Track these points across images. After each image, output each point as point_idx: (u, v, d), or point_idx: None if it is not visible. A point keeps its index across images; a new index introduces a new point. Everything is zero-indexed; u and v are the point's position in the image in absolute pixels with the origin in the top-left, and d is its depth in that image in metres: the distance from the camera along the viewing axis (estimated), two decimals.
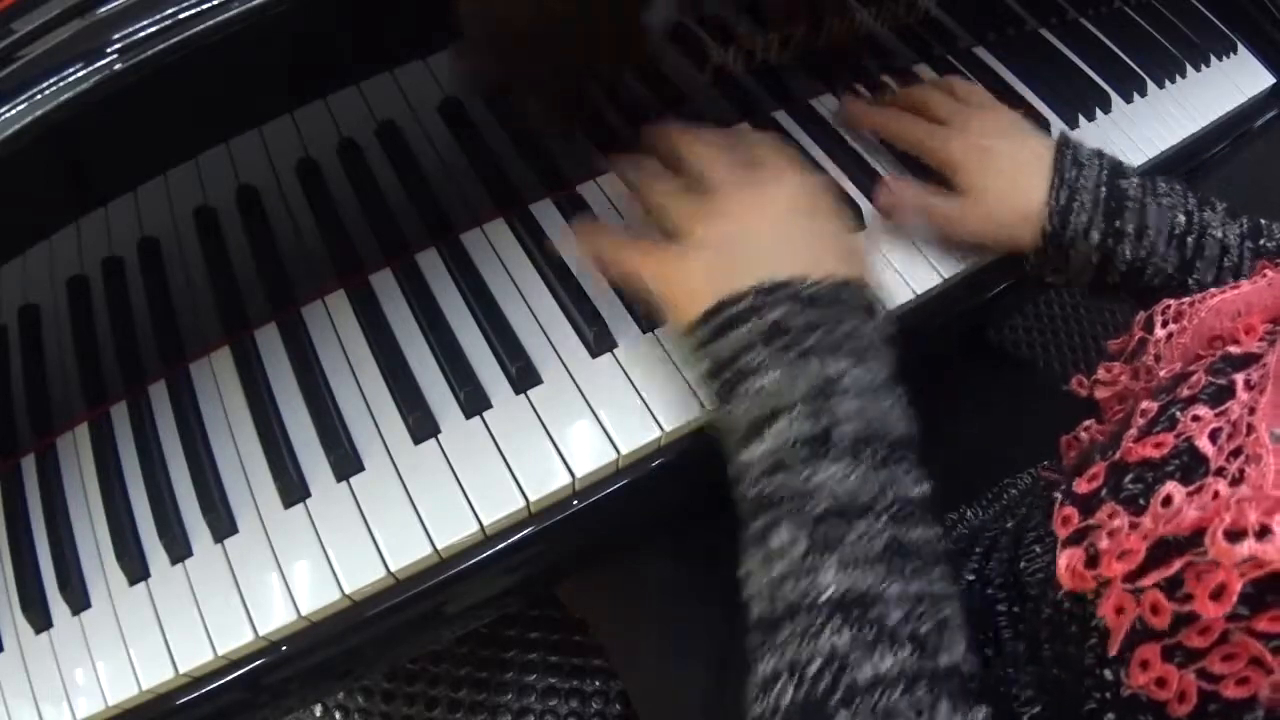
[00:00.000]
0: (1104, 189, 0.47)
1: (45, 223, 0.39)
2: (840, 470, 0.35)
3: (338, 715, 0.85)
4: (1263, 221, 0.48)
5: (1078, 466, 0.33)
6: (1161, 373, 0.36)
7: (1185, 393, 0.30)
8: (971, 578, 0.44)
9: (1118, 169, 0.48)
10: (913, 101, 0.56)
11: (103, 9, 0.32)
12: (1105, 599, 0.27)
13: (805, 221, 0.42)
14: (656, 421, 0.44)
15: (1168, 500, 0.27)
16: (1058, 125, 0.62)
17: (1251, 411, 0.27)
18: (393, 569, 0.41)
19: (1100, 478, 0.30)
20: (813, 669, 0.31)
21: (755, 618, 0.34)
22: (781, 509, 0.35)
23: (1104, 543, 0.28)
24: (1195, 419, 0.28)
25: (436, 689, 0.85)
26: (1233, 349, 0.32)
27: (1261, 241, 0.47)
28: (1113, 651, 0.27)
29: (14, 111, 0.31)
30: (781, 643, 0.33)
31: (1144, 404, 0.31)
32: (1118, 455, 0.30)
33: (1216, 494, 0.25)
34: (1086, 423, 0.44)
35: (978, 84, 0.56)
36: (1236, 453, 0.26)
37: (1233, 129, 0.69)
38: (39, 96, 0.31)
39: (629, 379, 0.45)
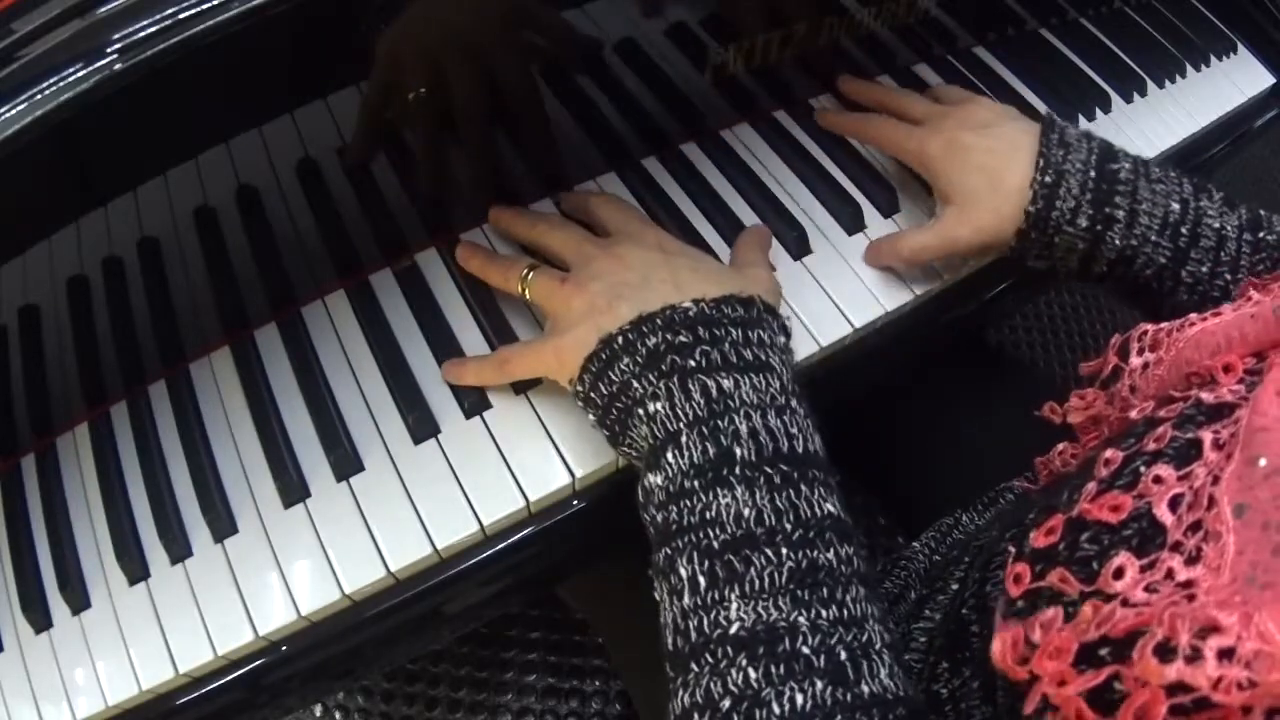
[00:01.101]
0: (1093, 172, 0.45)
1: (45, 223, 0.39)
2: (737, 498, 0.33)
3: (338, 715, 0.85)
4: (1263, 213, 0.47)
5: (1040, 512, 0.31)
6: (1133, 413, 0.34)
7: (1151, 446, 0.29)
8: (956, 587, 0.43)
9: (1108, 152, 0.46)
10: (889, 105, 0.55)
11: (103, 9, 0.32)
12: (1037, 688, 0.26)
13: (666, 258, 0.42)
14: None
15: (1119, 572, 0.25)
16: None
17: (1215, 481, 0.25)
18: (393, 569, 0.41)
19: (1058, 533, 0.29)
20: (725, 705, 0.30)
21: (668, 650, 0.33)
22: (682, 540, 0.34)
23: (1036, 634, 0.26)
24: (1157, 480, 0.27)
25: (436, 689, 0.85)
26: (1205, 395, 0.30)
27: (1261, 234, 0.46)
28: None
29: (14, 111, 0.31)
30: (694, 678, 0.31)
31: (1108, 452, 0.30)
32: (1076, 511, 0.29)
33: (1170, 572, 0.24)
34: (1060, 446, 0.43)
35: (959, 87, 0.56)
36: (1196, 526, 0.25)
37: (1233, 129, 0.69)
38: (39, 96, 0.31)
39: None
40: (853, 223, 0.52)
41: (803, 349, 0.48)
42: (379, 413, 0.45)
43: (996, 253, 0.50)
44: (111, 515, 0.43)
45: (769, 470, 0.34)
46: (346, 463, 0.43)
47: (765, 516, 0.33)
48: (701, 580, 0.33)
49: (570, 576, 0.64)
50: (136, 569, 0.42)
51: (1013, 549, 0.31)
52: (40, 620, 0.42)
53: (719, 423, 0.35)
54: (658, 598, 0.35)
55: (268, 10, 0.34)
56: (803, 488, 0.34)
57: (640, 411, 0.37)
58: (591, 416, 0.40)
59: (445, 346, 0.46)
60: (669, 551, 0.34)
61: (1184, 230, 0.45)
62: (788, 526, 0.33)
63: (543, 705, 0.82)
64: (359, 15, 0.39)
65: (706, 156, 0.55)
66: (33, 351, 0.44)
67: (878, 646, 0.32)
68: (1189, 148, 0.66)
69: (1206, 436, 0.27)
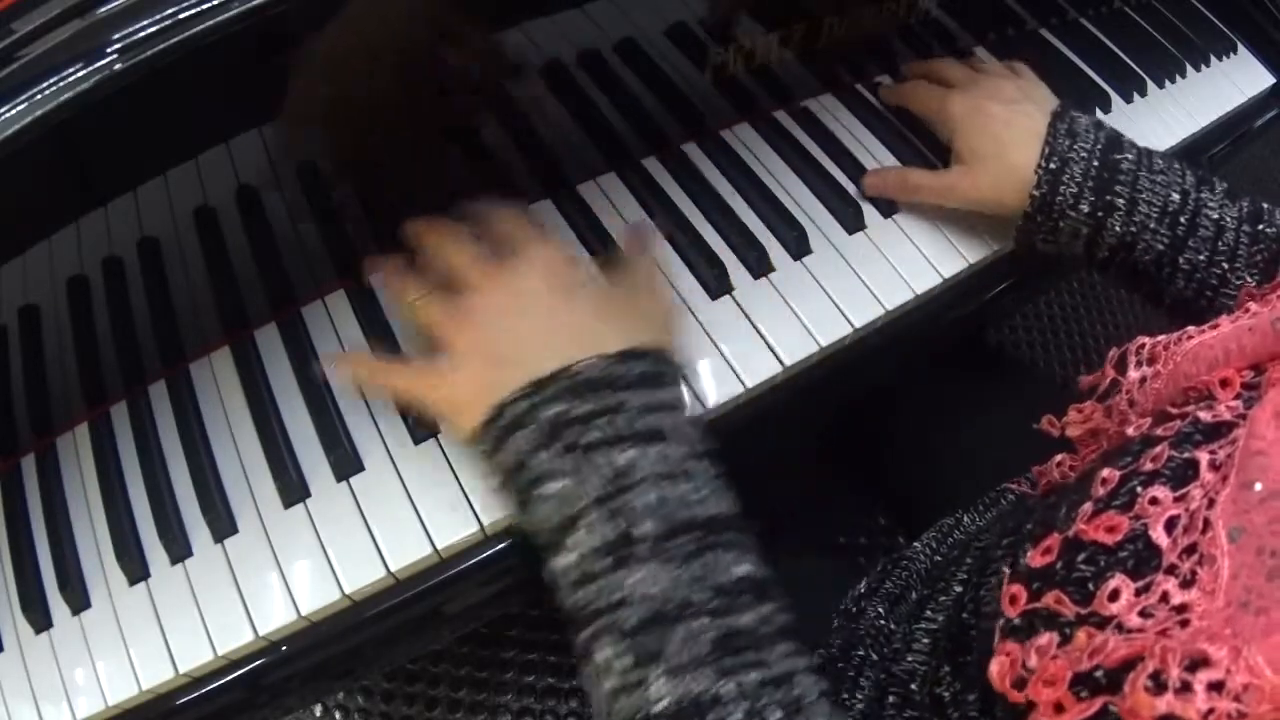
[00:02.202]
0: (1097, 161, 0.47)
1: (45, 223, 0.39)
2: (648, 574, 0.33)
3: (338, 715, 0.85)
4: (1265, 206, 0.48)
5: (1036, 527, 0.32)
6: (1130, 429, 0.34)
7: (1147, 466, 0.29)
8: (959, 589, 0.42)
9: (1114, 142, 0.48)
10: (931, 71, 0.58)
11: (103, 9, 0.32)
12: (1033, 717, 0.26)
13: (563, 302, 0.39)
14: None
15: (1115, 595, 0.26)
16: None
17: (1211, 504, 0.25)
18: (393, 569, 0.41)
19: (1054, 553, 0.29)
20: None
21: None
22: (598, 623, 0.33)
23: (1032, 659, 0.27)
24: (1153, 501, 0.27)
25: (436, 689, 0.84)
26: (1203, 414, 0.30)
27: (1261, 227, 0.47)
28: None
29: (14, 111, 0.31)
30: None
31: (1105, 471, 0.30)
32: (1072, 531, 0.29)
33: (1165, 595, 0.24)
34: (1059, 458, 0.43)
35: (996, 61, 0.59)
36: (1191, 549, 0.25)
37: (1233, 129, 0.69)
38: (39, 96, 0.31)
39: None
40: (853, 223, 0.52)
41: (802, 350, 0.48)
42: (379, 412, 0.45)
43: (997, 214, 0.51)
44: (111, 515, 0.43)
45: (679, 540, 0.34)
46: (346, 463, 0.43)
47: (679, 590, 0.33)
48: (622, 662, 0.32)
49: None
50: (136, 569, 0.42)
51: (1008, 569, 0.31)
52: (40, 620, 0.42)
53: (625, 498, 0.34)
54: (587, 679, 0.34)
55: (268, 10, 0.34)
56: (712, 554, 0.34)
57: (542, 489, 0.35)
58: (495, 479, 0.38)
59: None
60: (588, 634, 0.34)
61: (1182, 220, 0.46)
62: (704, 596, 0.33)
63: (543, 705, 0.82)
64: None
65: (706, 156, 0.55)
66: (33, 351, 0.44)
67: (811, 698, 0.32)
68: (1189, 148, 0.66)
69: (1203, 457, 0.27)
